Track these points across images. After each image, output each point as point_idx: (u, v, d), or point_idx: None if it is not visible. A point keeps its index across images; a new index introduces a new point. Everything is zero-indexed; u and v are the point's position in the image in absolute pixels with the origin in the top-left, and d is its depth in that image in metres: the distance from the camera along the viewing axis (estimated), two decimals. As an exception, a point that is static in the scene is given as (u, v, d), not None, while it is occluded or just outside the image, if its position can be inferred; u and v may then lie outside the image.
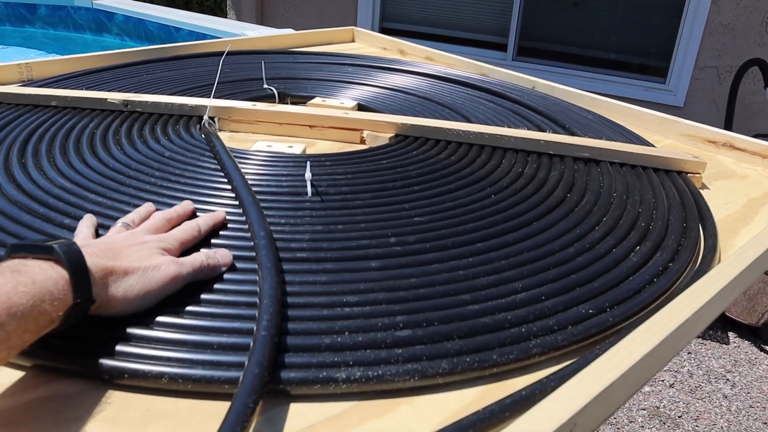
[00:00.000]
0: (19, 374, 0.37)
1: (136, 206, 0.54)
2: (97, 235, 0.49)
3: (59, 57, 1.02)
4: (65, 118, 0.76)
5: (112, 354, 0.36)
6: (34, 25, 2.70)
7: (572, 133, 0.80)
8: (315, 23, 3.32)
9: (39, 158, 0.64)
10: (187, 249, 0.47)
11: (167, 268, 0.41)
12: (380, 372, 0.36)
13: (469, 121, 0.83)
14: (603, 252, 0.51)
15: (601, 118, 0.92)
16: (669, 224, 0.59)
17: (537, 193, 0.62)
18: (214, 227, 0.50)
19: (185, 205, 0.53)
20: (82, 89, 0.85)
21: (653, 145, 0.80)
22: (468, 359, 0.37)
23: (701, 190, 0.70)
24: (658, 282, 0.49)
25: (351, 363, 0.36)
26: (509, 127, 0.79)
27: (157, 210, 0.52)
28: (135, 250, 0.41)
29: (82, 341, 0.37)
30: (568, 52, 2.92)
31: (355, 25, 3.23)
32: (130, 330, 0.38)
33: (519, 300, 0.43)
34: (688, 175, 0.72)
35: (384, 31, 3.30)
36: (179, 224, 0.50)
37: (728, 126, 2.63)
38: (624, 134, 0.85)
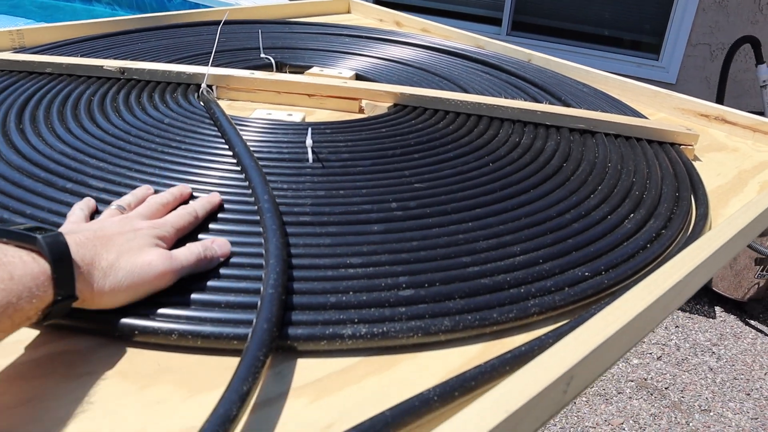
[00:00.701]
0: (30, 332, 0.37)
1: (138, 172, 0.54)
2: (92, 219, 0.47)
3: (52, 24, 1.01)
4: (61, 85, 0.76)
5: (123, 311, 0.37)
6: (22, -7, 2.67)
7: (568, 105, 0.81)
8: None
9: (37, 124, 0.64)
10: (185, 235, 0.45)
11: (160, 263, 0.38)
12: (384, 329, 0.37)
13: (466, 92, 0.83)
14: (598, 218, 0.53)
15: (596, 91, 0.92)
16: (662, 193, 0.60)
17: (534, 162, 0.63)
18: (211, 210, 0.48)
19: (182, 188, 0.51)
20: (77, 56, 0.85)
21: (647, 118, 0.81)
22: (469, 317, 0.38)
23: (693, 162, 0.71)
24: (651, 247, 0.50)
25: (356, 321, 0.37)
26: (506, 98, 0.80)
27: (156, 192, 0.50)
28: (127, 239, 0.39)
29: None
30: (562, 27, 2.91)
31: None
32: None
33: (518, 263, 0.44)
34: (681, 147, 0.73)
35: (379, 2, 3.26)
36: (176, 208, 0.47)
37: (719, 103, 2.63)
38: (618, 107, 0.85)
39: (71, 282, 0.33)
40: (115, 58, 0.85)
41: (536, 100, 0.82)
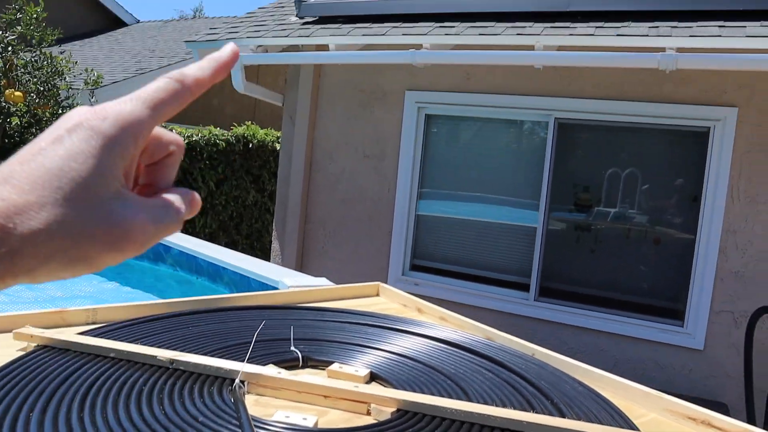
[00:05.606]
0: None
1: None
2: None
3: (122, 304, 1.21)
4: (120, 372, 0.90)
5: None
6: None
7: (558, 409, 0.90)
8: (351, 256, 3.60)
9: (95, 411, 0.77)
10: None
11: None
12: None
13: (466, 394, 0.94)
14: None
15: (591, 391, 1.02)
16: None
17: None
18: (216, 69, 0.35)
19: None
20: (137, 342, 1.00)
21: (633, 425, 0.89)
22: None
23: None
24: None
25: None
26: (501, 401, 0.90)
27: None
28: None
29: None
30: (588, 293, 3.09)
31: (388, 261, 3.49)
32: None
33: None
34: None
35: (414, 267, 3.54)
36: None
37: (747, 370, 2.65)
38: (608, 410, 0.94)
39: None
40: (168, 342, 1.00)
41: (529, 402, 0.92)
